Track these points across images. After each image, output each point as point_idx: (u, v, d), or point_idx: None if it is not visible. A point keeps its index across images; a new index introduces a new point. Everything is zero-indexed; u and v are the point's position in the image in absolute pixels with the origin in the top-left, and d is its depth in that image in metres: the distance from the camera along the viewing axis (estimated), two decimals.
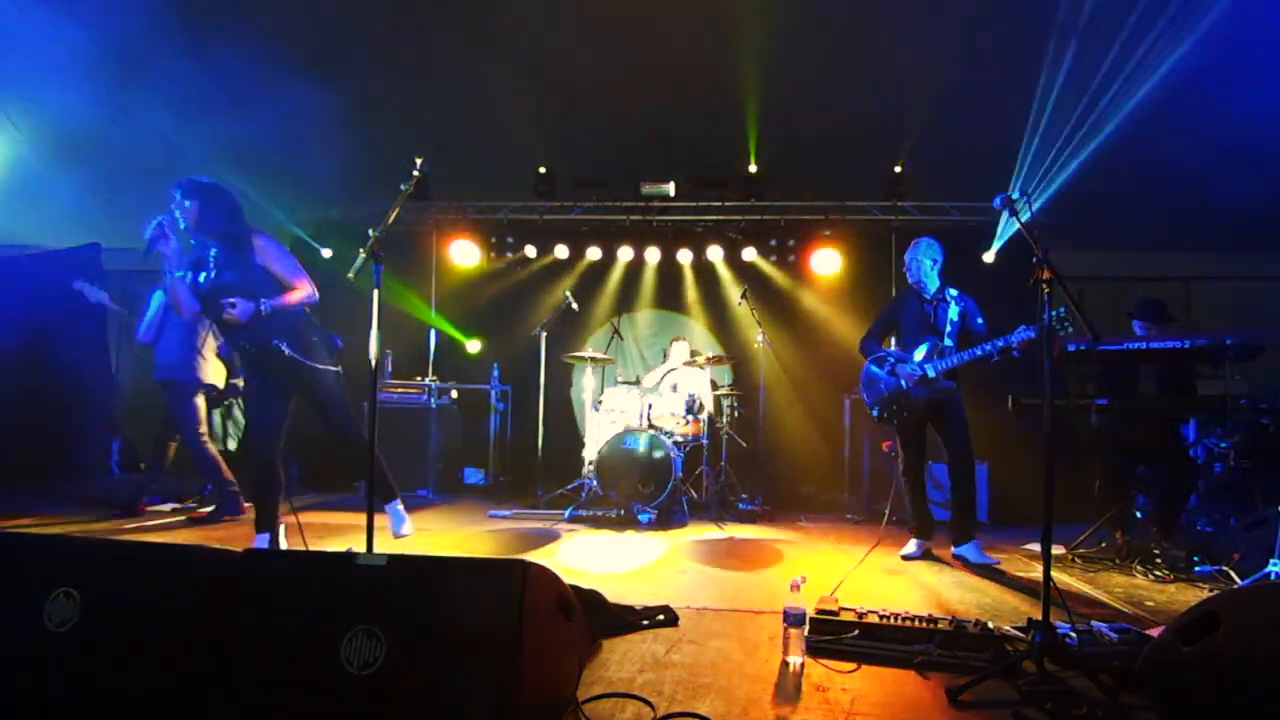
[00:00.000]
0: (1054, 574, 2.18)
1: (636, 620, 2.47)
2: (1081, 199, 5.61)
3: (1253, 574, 3.05)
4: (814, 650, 2.19)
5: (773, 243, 6.69)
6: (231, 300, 2.94)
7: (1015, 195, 2.41)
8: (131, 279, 5.50)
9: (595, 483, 4.86)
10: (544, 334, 5.55)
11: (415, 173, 2.62)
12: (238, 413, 6.43)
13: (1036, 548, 3.91)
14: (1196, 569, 3.41)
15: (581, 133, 6.05)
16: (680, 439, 5.12)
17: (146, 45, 4.62)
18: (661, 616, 2.53)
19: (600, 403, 5.30)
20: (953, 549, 3.72)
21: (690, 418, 5.19)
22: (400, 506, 3.40)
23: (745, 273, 6.75)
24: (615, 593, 2.67)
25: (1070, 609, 2.34)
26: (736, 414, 5.57)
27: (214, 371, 4.59)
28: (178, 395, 4.44)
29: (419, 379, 6.16)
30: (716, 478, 5.41)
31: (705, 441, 5.38)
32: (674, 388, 5.43)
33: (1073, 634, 2.25)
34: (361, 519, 2.45)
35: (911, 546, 3.76)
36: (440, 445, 5.89)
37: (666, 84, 5.42)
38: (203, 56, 4.75)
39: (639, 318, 7.13)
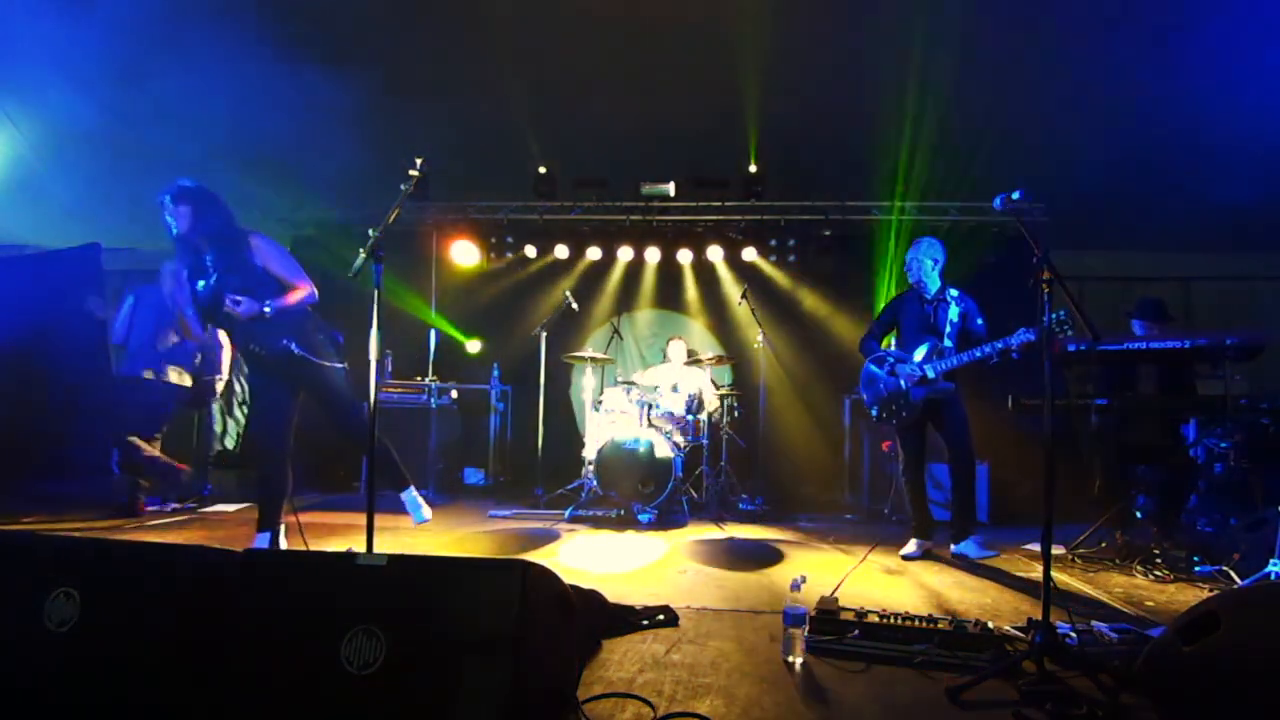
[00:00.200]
0: (1054, 574, 2.19)
1: (636, 620, 2.47)
2: (1082, 199, 5.61)
3: (1253, 574, 3.05)
4: (814, 650, 2.19)
5: (773, 243, 6.69)
6: (236, 297, 2.95)
7: (1016, 196, 2.40)
8: (131, 279, 5.51)
9: (595, 483, 4.86)
10: (544, 334, 5.55)
11: (415, 173, 2.61)
12: (238, 412, 6.44)
13: (1036, 548, 3.91)
14: (1196, 569, 3.41)
15: (581, 133, 6.04)
16: (680, 439, 5.12)
17: (146, 46, 4.62)
18: (661, 616, 2.53)
19: (600, 403, 5.30)
20: (952, 547, 3.73)
21: (690, 418, 5.19)
22: (415, 494, 3.39)
23: (745, 273, 6.74)
24: (615, 593, 2.67)
25: (1070, 609, 2.35)
26: (736, 414, 5.57)
27: (177, 375, 4.72)
28: (141, 394, 4.60)
29: (419, 379, 6.15)
30: (716, 478, 5.41)
31: (705, 441, 5.38)
32: (674, 388, 5.43)
33: (1073, 634, 2.25)
34: (361, 519, 2.45)
35: (911, 546, 3.76)
36: (440, 445, 5.89)
37: (666, 84, 5.42)
38: (203, 57, 4.75)
39: (639, 318, 7.12)
